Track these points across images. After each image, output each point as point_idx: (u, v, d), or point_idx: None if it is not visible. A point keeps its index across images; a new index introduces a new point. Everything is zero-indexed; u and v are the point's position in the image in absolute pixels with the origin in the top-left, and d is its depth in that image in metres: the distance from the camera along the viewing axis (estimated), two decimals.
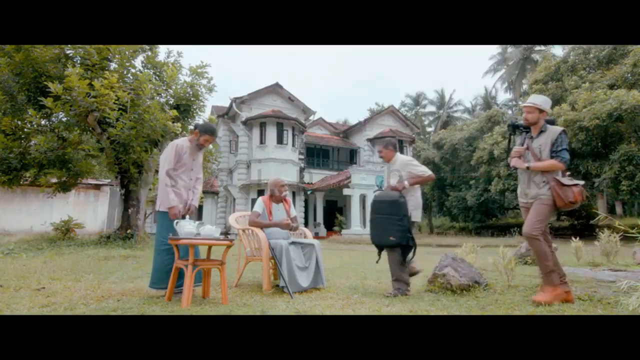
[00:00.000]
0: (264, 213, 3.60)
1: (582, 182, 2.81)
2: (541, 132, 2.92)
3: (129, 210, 8.18)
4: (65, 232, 8.62)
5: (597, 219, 3.14)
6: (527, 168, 2.87)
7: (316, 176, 21.84)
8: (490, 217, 25.28)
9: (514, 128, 3.12)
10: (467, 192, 23.52)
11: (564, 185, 2.75)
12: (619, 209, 27.30)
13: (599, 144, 15.09)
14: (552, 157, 2.82)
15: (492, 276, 4.01)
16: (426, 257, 8.25)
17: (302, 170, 20.38)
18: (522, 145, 2.99)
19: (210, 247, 2.82)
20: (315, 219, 20.82)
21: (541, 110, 2.93)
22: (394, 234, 3.11)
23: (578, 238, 5.83)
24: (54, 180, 8.12)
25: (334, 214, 20.48)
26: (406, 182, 3.38)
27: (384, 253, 3.32)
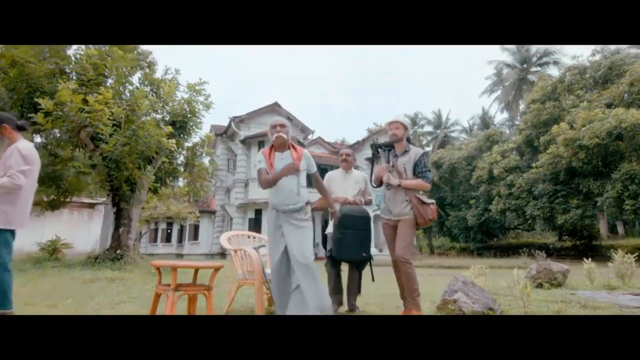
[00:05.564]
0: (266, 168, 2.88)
1: (433, 201, 2.96)
2: (405, 151, 3.03)
3: (120, 230, 7.86)
4: (52, 252, 8.26)
5: (612, 238, 2.95)
6: (399, 185, 2.92)
7: (314, 195, 21.49)
8: (492, 238, 24.88)
9: (376, 148, 3.16)
10: (467, 211, 23.24)
11: (423, 203, 2.88)
12: (620, 229, 27.00)
13: (600, 162, 14.99)
14: (417, 177, 2.94)
15: (505, 301, 3.71)
16: (429, 279, 7.89)
17: None
18: (388, 163, 3.05)
19: (196, 271, 2.54)
20: (314, 239, 20.41)
21: (406, 128, 3.07)
22: (366, 249, 3.10)
23: (590, 260, 5.55)
24: (44, 198, 7.86)
25: None
26: (362, 199, 3.42)
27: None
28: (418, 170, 2.95)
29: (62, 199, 7.65)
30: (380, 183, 3.13)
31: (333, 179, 3.57)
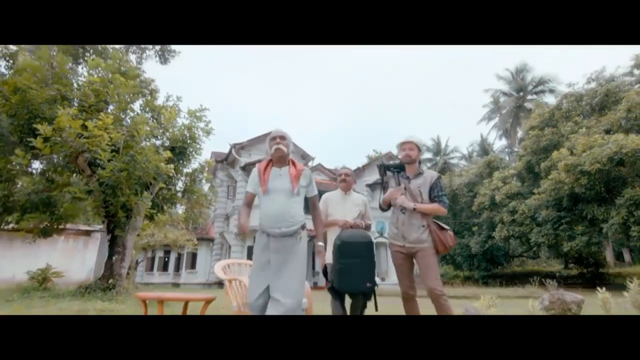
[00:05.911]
0: (257, 190, 2.55)
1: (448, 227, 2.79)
2: (419, 173, 2.85)
3: (113, 258, 7.60)
4: (42, 281, 7.94)
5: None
6: (414, 209, 2.70)
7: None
8: (496, 266, 24.27)
9: (385, 169, 2.97)
10: (471, 239, 22.82)
11: (442, 228, 2.70)
12: (627, 256, 26.40)
13: (602, 188, 14.85)
14: (433, 202, 2.77)
15: None
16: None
17: None
18: (399, 185, 2.83)
19: (186, 303, 2.34)
20: (314, 268, 19.91)
21: (419, 149, 2.89)
22: (371, 279, 2.77)
23: (604, 289, 5.28)
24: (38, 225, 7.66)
25: None
26: (362, 222, 3.16)
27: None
28: (434, 194, 2.77)
29: (55, 226, 7.44)
30: (388, 206, 2.90)
31: (331, 200, 3.32)
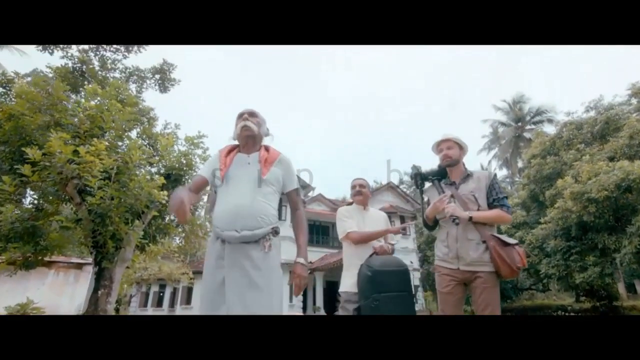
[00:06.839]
0: (213, 176, 1.95)
1: (516, 241, 2.13)
2: (467, 175, 2.32)
3: (99, 292, 7.09)
4: None
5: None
6: (470, 218, 2.11)
7: (315, 254, 20.60)
8: (505, 299, 23.27)
9: (422, 178, 2.42)
10: None
11: (507, 244, 2.05)
12: (639, 288, 25.37)
13: (611, 216, 14.45)
14: (492, 207, 2.19)
15: None
16: None
17: None
18: (443, 193, 2.29)
19: None
20: (314, 303, 19.02)
21: (461, 147, 2.36)
22: None
23: None
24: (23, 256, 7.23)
25: (335, 296, 18.75)
26: (390, 246, 2.66)
27: None
28: (493, 197, 2.22)
29: (40, 258, 7.01)
30: (435, 222, 2.38)
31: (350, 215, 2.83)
